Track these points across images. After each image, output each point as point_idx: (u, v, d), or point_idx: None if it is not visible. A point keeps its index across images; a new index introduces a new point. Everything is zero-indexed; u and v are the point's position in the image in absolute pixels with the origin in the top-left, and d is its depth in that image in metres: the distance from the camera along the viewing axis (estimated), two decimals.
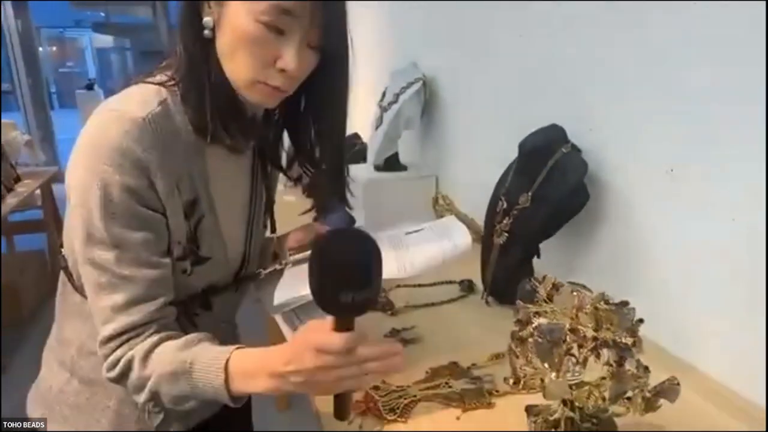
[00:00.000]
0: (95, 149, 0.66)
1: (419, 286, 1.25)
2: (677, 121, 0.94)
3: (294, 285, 0.80)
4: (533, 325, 0.68)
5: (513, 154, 1.20)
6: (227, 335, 0.91)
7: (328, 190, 0.85)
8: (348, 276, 0.54)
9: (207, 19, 0.70)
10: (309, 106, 0.80)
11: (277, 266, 0.87)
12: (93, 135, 0.67)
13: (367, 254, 0.54)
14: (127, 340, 0.69)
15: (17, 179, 3.17)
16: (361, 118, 2.41)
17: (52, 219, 3.43)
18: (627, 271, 1.08)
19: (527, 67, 1.35)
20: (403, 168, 1.89)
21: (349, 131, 0.83)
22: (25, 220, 3.64)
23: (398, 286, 1.23)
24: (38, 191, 3.28)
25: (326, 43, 0.71)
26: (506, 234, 1.12)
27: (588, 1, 1.12)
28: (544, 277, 0.72)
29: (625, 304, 0.66)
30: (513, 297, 1.11)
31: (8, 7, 6.68)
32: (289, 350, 0.62)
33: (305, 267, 0.55)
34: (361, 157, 2.27)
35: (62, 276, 0.82)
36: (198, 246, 0.76)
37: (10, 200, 2.92)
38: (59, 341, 0.84)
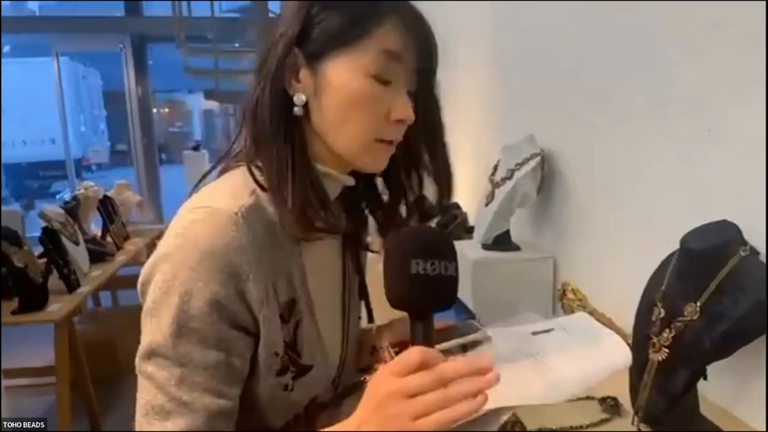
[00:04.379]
0: (181, 251, 0.58)
1: None
2: None
3: None
4: None
5: (650, 241, 1.02)
6: None
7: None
8: (421, 245, 0.57)
9: (300, 96, 0.62)
10: (414, 153, 0.71)
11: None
12: (180, 235, 0.59)
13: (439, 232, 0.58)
14: None
15: (126, 237, 3.34)
16: (466, 190, 2.30)
17: None
18: None
19: (673, 143, 1.18)
20: (516, 248, 1.74)
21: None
22: (129, 275, 3.80)
23: None
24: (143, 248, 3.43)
25: (427, 83, 0.66)
26: (666, 349, 0.93)
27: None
28: None
29: None
30: (675, 426, 0.90)
31: (131, 75, 7.40)
32: (360, 408, 0.54)
33: None
34: (462, 229, 2.14)
35: None
36: (299, 354, 0.66)
37: (119, 258, 3.07)
38: None
